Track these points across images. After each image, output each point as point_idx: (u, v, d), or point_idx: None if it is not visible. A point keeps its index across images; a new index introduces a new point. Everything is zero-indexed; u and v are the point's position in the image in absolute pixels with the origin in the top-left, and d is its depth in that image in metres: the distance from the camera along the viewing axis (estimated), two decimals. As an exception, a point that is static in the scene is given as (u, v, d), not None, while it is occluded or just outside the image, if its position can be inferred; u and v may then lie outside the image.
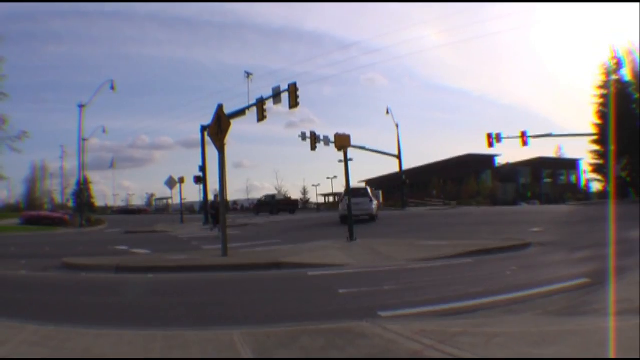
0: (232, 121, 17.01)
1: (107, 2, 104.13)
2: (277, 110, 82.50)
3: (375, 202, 31.62)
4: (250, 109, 36.29)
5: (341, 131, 18.97)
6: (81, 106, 45.70)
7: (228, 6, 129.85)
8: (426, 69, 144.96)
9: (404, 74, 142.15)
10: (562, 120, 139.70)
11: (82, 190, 54.77)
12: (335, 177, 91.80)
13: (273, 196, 64.98)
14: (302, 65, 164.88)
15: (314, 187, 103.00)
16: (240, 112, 36.75)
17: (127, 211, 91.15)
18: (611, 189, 44.94)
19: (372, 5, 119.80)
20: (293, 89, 32.49)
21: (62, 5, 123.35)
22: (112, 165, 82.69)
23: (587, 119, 54.68)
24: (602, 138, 48.68)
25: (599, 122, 51.07)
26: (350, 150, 18.78)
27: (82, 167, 49.57)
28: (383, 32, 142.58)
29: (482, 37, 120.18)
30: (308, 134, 49.42)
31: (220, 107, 14.83)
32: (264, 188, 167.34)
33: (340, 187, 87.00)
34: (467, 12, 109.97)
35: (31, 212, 52.68)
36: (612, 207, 28.33)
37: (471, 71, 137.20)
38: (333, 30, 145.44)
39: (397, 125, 61.97)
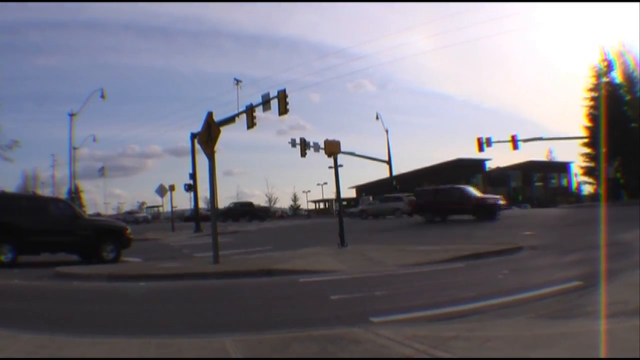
0: (222, 128, 16.96)
1: (83, 1, 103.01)
2: (266, 117, 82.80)
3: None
4: (240, 116, 36.20)
5: (331, 137, 18.98)
6: (71, 115, 45.55)
7: (201, 13, 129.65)
8: (409, 74, 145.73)
9: (389, 79, 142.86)
10: (553, 124, 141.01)
11: (74, 198, 54.42)
12: (325, 183, 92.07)
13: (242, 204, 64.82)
14: (290, 72, 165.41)
15: (305, 194, 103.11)
16: (230, 120, 36.63)
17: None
18: (602, 191, 44.99)
19: (355, 12, 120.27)
20: (282, 96, 32.39)
21: (38, 17, 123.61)
22: (102, 173, 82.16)
23: (577, 122, 54.84)
24: (593, 141, 48.71)
25: (589, 124, 51.04)
26: (340, 156, 18.74)
27: (73, 175, 49.42)
28: (366, 39, 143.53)
29: (466, 42, 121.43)
30: (298, 141, 49.35)
31: (210, 115, 14.75)
32: (254, 195, 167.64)
33: (331, 194, 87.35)
34: (450, 17, 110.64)
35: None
36: (603, 210, 28.44)
37: (454, 75, 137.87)
38: (312, 36, 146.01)
39: (386, 131, 62.27)
